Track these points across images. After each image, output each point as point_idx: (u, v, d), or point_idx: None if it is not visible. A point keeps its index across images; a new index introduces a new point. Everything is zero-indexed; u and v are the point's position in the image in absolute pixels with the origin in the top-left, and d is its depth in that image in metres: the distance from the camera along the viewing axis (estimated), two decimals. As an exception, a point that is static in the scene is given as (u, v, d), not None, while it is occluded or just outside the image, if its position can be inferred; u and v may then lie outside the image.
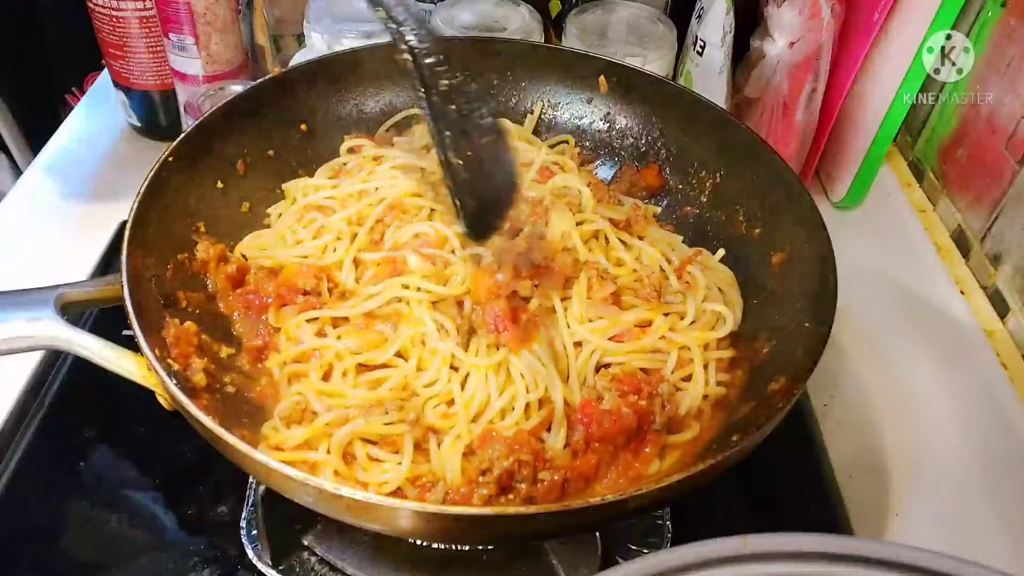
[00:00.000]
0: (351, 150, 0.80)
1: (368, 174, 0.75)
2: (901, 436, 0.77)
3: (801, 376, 0.56)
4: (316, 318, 0.65)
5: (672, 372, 0.64)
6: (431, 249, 0.67)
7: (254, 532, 0.62)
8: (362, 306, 0.65)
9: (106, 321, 0.69)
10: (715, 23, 0.90)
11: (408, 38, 0.51)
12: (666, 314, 0.66)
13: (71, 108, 1.11)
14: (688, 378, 0.65)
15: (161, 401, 0.56)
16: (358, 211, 0.71)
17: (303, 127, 0.80)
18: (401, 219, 0.70)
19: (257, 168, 0.76)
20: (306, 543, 0.62)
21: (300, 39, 1.01)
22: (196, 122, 0.71)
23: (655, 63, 0.92)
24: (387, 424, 0.58)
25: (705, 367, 0.65)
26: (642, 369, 0.64)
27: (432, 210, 0.71)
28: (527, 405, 0.60)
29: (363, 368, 0.62)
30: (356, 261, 0.69)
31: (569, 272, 0.66)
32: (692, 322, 0.67)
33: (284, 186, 0.77)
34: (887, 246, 0.97)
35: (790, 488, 0.72)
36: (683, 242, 0.77)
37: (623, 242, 0.72)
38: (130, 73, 0.98)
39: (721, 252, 0.74)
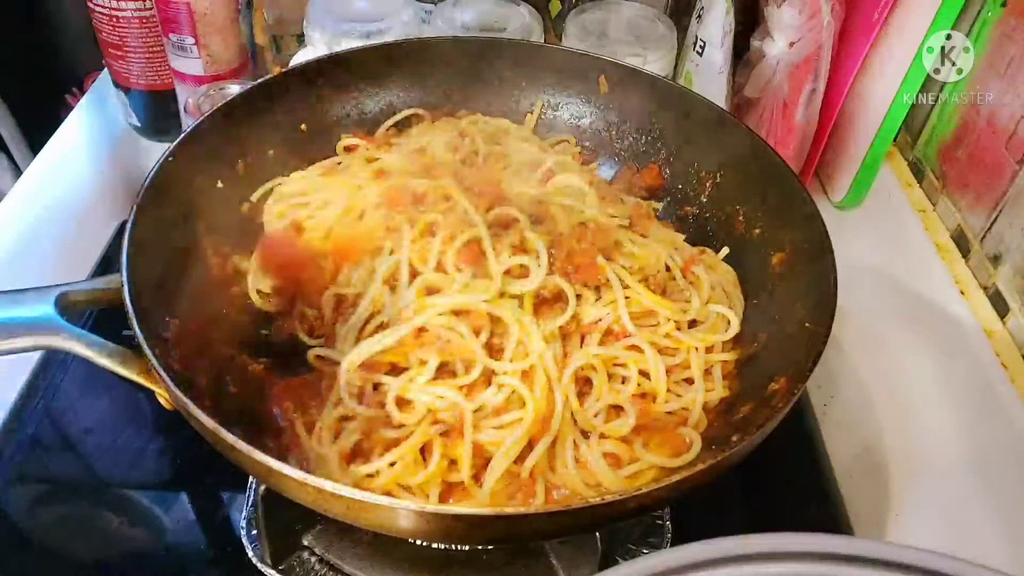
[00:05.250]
0: (347, 148, 0.80)
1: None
2: (901, 436, 0.77)
3: (801, 376, 0.56)
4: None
5: (671, 374, 0.64)
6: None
7: (254, 532, 0.62)
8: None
9: (106, 321, 0.69)
10: (715, 23, 0.90)
11: None
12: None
13: (71, 108, 1.11)
14: (689, 380, 0.65)
15: (161, 401, 0.56)
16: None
17: (303, 127, 0.80)
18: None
19: (257, 168, 0.76)
20: (306, 543, 0.62)
21: (300, 39, 1.01)
22: (196, 122, 0.71)
23: (655, 63, 0.92)
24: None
25: (709, 371, 0.65)
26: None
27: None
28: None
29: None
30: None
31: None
32: (695, 323, 0.67)
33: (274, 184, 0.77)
34: (887, 246, 0.97)
35: (790, 488, 0.72)
36: (683, 241, 0.77)
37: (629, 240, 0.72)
38: (130, 73, 0.98)
39: (725, 251, 0.74)
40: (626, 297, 0.65)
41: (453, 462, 0.58)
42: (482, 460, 0.58)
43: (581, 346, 0.64)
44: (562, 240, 0.66)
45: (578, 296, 0.65)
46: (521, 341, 0.61)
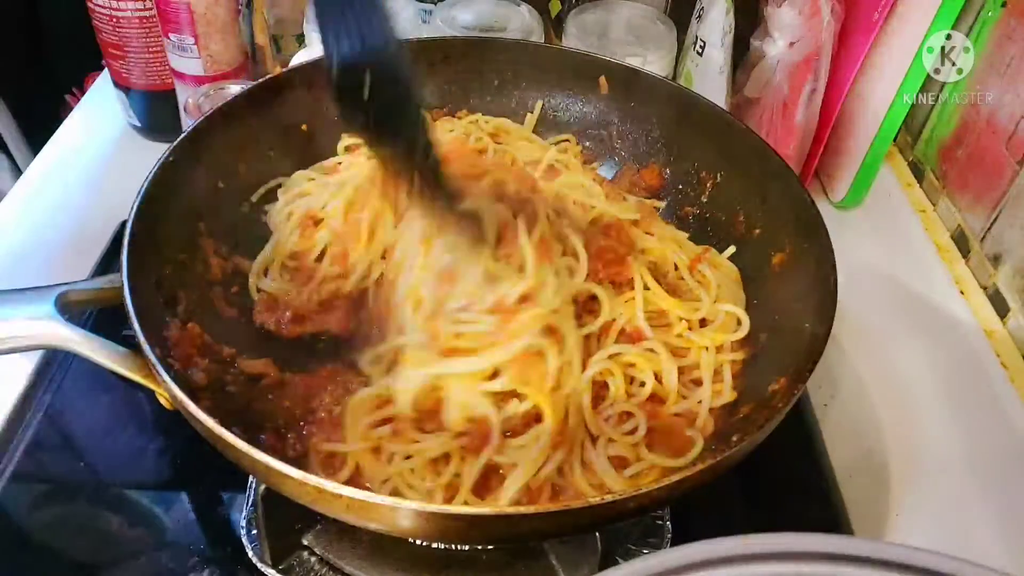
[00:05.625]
0: (348, 148, 0.80)
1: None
2: (901, 436, 0.76)
3: (801, 376, 0.56)
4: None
5: (681, 375, 0.64)
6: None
7: (254, 532, 0.62)
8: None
9: (106, 321, 0.69)
10: (715, 23, 0.90)
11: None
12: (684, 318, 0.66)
13: (71, 108, 1.11)
14: (696, 382, 0.65)
15: (162, 401, 0.56)
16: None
17: (303, 127, 0.80)
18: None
19: (257, 168, 0.76)
20: (306, 543, 0.62)
21: (300, 39, 1.01)
22: (196, 122, 0.71)
23: (655, 63, 0.92)
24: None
25: (718, 371, 0.65)
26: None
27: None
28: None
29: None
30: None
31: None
32: (704, 321, 0.67)
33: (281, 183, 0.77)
34: (887, 246, 0.97)
35: (790, 488, 0.72)
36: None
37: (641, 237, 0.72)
38: (130, 73, 0.98)
39: (731, 250, 0.74)
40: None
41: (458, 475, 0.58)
42: (487, 472, 0.58)
43: (598, 344, 0.64)
44: (592, 236, 0.66)
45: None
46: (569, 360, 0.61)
